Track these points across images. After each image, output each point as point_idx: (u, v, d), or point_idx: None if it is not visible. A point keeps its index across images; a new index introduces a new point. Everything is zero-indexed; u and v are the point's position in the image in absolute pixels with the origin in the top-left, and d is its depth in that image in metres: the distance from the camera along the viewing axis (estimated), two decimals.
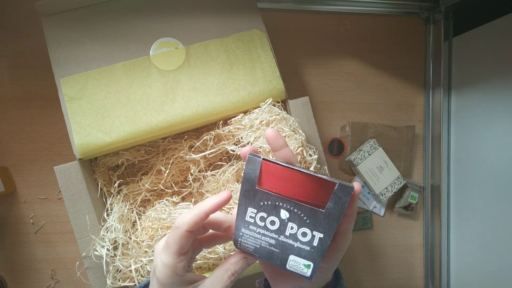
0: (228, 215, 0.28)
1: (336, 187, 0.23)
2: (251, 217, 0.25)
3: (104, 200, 0.49)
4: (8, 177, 0.57)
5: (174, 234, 0.25)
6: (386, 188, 0.66)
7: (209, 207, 0.25)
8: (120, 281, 0.44)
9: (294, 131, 0.46)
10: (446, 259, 0.67)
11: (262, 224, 0.24)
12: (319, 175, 0.24)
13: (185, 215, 0.25)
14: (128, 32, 0.48)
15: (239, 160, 0.52)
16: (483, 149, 0.61)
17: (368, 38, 0.71)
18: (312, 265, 0.23)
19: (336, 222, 0.23)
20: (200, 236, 0.29)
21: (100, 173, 0.49)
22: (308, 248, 0.23)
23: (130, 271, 0.43)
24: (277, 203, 0.24)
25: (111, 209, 0.47)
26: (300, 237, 0.24)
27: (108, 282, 0.43)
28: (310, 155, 0.46)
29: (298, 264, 0.24)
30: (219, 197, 0.26)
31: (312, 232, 0.23)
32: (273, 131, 0.28)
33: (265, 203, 0.24)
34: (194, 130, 0.52)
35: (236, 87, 0.48)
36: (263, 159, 0.24)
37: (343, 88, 0.69)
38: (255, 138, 0.47)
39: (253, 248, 0.25)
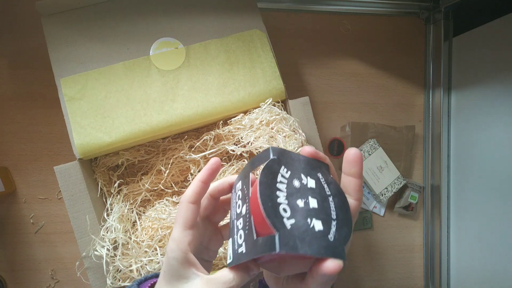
0: (226, 178, 0.29)
1: (269, 235, 0.22)
2: (238, 188, 0.27)
3: (104, 200, 0.49)
4: (8, 177, 0.57)
5: (179, 208, 0.26)
6: (386, 188, 0.66)
7: (202, 175, 0.27)
8: (120, 281, 0.44)
9: (294, 131, 0.46)
10: (446, 259, 0.67)
11: (237, 201, 0.26)
12: (270, 224, 0.22)
13: (187, 189, 0.27)
14: (128, 32, 0.48)
15: (239, 160, 0.52)
16: (483, 149, 0.61)
17: (368, 38, 0.71)
18: (230, 260, 0.24)
19: (254, 254, 0.22)
20: (215, 211, 0.29)
21: (100, 173, 0.49)
22: (236, 247, 0.24)
23: (130, 271, 0.43)
24: (246, 198, 0.25)
25: (111, 209, 0.47)
26: (238, 235, 0.25)
27: (108, 282, 0.43)
28: None
29: (229, 248, 0.25)
30: (209, 164, 0.27)
31: (243, 241, 0.24)
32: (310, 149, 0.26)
33: (245, 189, 0.26)
34: (194, 130, 0.52)
35: (236, 87, 0.48)
36: (271, 160, 0.25)
37: (343, 88, 0.69)
38: (255, 138, 0.47)
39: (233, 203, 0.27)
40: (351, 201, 0.25)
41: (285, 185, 0.24)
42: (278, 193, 0.23)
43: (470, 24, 0.65)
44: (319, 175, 0.26)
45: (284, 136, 0.46)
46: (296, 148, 0.45)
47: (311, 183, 0.25)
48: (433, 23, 0.71)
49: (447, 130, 0.69)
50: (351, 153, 0.25)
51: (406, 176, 0.69)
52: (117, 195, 0.49)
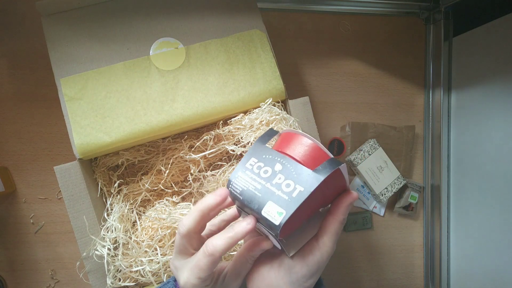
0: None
1: (329, 158, 0.26)
2: (250, 164, 0.28)
3: (104, 200, 0.49)
4: (8, 177, 0.57)
5: (207, 260, 0.26)
6: (386, 188, 0.66)
7: (242, 235, 0.27)
8: (121, 281, 0.44)
9: None
10: (446, 259, 0.67)
11: (257, 171, 0.27)
12: (322, 148, 0.27)
13: (217, 242, 0.26)
14: (128, 32, 0.48)
15: (239, 160, 0.52)
16: (483, 149, 0.61)
17: (368, 38, 0.71)
18: (284, 213, 0.25)
19: (317, 182, 0.25)
20: None
21: (100, 173, 0.49)
22: (286, 197, 0.25)
23: (131, 271, 0.43)
24: (276, 158, 0.27)
25: (111, 209, 0.47)
26: (283, 187, 0.26)
27: (109, 282, 0.43)
28: None
29: (272, 211, 0.25)
30: (248, 226, 0.27)
31: (295, 185, 0.25)
32: None
33: (267, 156, 0.28)
34: (194, 130, 0.52)
35: (236, 87, 0.48)
36: (283, 130, 0.29)
37: (343, 88, 0.69)
38: (255, 138, 0.47)
39: (240, 189, 0.27)
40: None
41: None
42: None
43: (470, 24, 0.65)
44: None
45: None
46: None
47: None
48: (433, 23, 0.71)
49: (447, 130, 0.69)
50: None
51: (406, 176, 0.69)
52: (117, 195, 0.49)
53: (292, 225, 0.26)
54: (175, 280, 0.31)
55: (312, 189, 0.24)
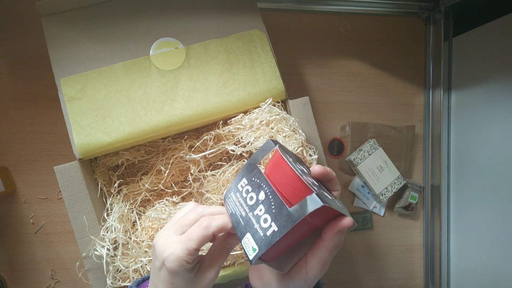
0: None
1: (308, 196, 0.23)
2: (241, 186, 0.28)
3: (104, 200, 0.49)
4: (8, 177, 0.57)
5: (201, 232, 0.26)
6: (386, 188, 0.66)
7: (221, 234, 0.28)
8: (120, 281, 0.44)
9: (294, 131, 0.46)
10: (446, 259, 0.67)
11: (245, 196, 0.27)
12: (306, 180, 0.25)
13: (217, 219, 0.27)
14: (128, 32, 0.48)
15: (239, 160, 0.52)
16: (483, 149, 0.61)
17: (368, 38, 0.71)
18: (257, 250, 0.24)
19: (291, 224, 0.23)
20: None
21: (100, 173, 0.49)
22: (262, 234, 0.25)
23: (130, 271, 0.43)
24: (262, 184, 0.26)
25: (111, 209, 0.47)
26: (261, 222, 0.25)
27: (108, 282, 0.43)
28: (310, 155, 0.46)
29: (248, 244, 0.25)
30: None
31: (271, 222, 0.24)
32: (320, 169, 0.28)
33: (255, 180, 0.27)
34: (194, 130, 0.52)
35: (236, 87, 0.48)
36: (278, 146, 0.27)
37: (343, 88, 0.69)
38: (255, 138, 0.47)
39: (230, 211, 0.27)
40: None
41: (293, 164, 0.27)
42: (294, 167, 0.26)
43: (470, 24, 0.65)
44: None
45: (284, 136, 0.46)
46: (296, 148, 0.45)
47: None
48: (433, 23, 0.71)
49: (447, 130, 0.69)
50: (316, 170, 0.28)
51: (406, 176, 0.69)
52: (117, 195, 0.49)
53: (272, 255, 0.26)
54: (137, 285, 0.31)
55: (285, 231, 0.23)
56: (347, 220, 0.25)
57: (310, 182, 0.26)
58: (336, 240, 0.26)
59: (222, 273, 0.44)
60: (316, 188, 0.25)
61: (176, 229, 0.27)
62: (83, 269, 0.44)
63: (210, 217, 0.27)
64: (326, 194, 0.26)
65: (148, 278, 0.33)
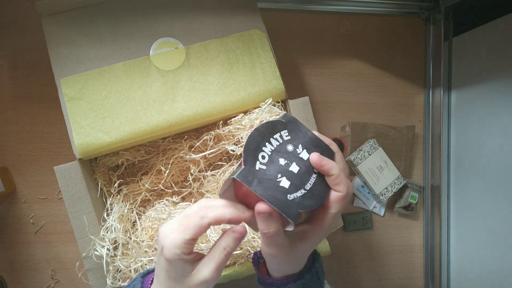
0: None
1: (240, 167, 0.27)
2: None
3: (104, 200, 0.49)
4: (8, 177, 0.57)
5: (196, 221, 0.27)
6: (386, 188, 0.66)
7: (233, 219, 0.27)
8: (120, 281, 0.44)
9: None
10: (446, 259, 0.67)
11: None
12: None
13: (213, 209, 0.27)
14: (128, 32, 0.48)
15: (239, 160, 0.52)
16: (483, 149, 0.61)
17: (368, 38, 0.71)
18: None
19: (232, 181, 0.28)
20: None
21: (100, 173, 0.49)
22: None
23: (130, 271, 0.43)
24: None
25: (111, 209, 0.47)
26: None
27: (108, 282, 0.43)
28: None
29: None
30: (243, 215, 0.28)
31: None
32: (317, 157, 0.28)
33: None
34: (194, 130, 0.52)
35: (236, 87, 0.48)
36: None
37: (343, 88, 0.69)
38: None
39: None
40: (335, 192, 0.28)
41: (277, 143, 0.28)
42: (267, 144, 0.28)
43: (470, 24, 0.65)
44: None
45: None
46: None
47: (305, 155, 0.29)
48: (433, 23, 0.71)
49: (447, 130, 0.69)
50: (314, 158, 0.28)
51: (406, 176, 0.69)
52: (117, 195, 0.49)
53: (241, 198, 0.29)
54: (142, 276, 0.32)
55: (226, 185, 0.28)
56: (258, 206, 0.25)
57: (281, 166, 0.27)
58: (259, 224, 0.27)
59: (222, 273, 0.44)
60: (259, 167, 0.27)
61: (180, 219, 0.28)
62: (83, 269, 0.44)
63: (207, 207, 0.27)
64: (277, 179, 0.27)
65: (153, 270, 0.34)
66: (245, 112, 0.49)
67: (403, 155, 0.69)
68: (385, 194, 0.66)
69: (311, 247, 0.31)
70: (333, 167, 0.28)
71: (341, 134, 0.69)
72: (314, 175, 0.28)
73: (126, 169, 0.53)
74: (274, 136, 0.29)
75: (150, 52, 0.47)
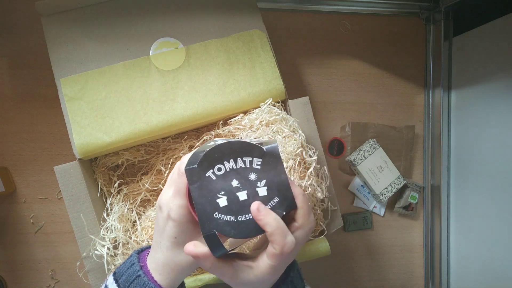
0: None
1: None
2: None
3: (104, 200, 0.49)
4: (8, 177, 0.57)
5: (181, 180, 0.27)
6: (386, 188, 0.66)
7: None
8: None
9: (294, 132, 0.46)
10: (446, 259, 0.67)
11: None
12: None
13: (183, 158, 0.28)
14: (128, 32, 0.48)
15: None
16: (483, 149, 0.61)
17: (368, 38, 0.71)
18: None
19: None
20: None
21: (100, 173, 0.49)
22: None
23: None
24: None
25: (111, 209, 0.47)
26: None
27: None
28: (310, 156, 0.46)
29: None
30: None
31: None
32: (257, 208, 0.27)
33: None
34: (194, 130, 0.52)
35: (236, 87, 0.48)
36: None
37: (343, 88, 0.69)
38: (255, 138, 0.47)
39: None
40: (270, 247, 0.27)
41: (242, 166, 0.27)
42: (231, 160, 0.27)
43: (470, 24, 0.65)
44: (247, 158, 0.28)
45: (284, 137, 0.46)
46: (295, 149, 0.45)
47: (262, 191, 0.27)
48: (433, 23, 0.71)
49: (447, 130, 0.69)
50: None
51: (406, 176, 0.69)
52: (117, 195, 0.49)
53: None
54: (137, 253, 0.32)
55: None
56: (186, 248, 0.26)
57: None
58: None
59: None
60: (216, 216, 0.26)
61: (170, 185, 0.29)
62: (83, 270, 0.44)
63: (183, 163, 0.28)
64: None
65: (147, 247, 0.34)
66: (245, 112, 0.49)
67: (403, 155, 0.69)
68: (385, 194, 0.66)
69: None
70: (269, 224, 0.25)
71: (341, 134, 0.69)
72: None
73: (126, 169, 0.53)
74: (244, 158, 0.27)
75: (150, 52, 0.47)
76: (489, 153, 0.60)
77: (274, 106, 0.49)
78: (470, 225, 0.64)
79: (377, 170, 0.66)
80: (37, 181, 0.59)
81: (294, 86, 0.67)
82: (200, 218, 0.25)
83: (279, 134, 0.46)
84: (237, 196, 0.26)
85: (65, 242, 0.59)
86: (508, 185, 0.56)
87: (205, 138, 0.49)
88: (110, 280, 0.30)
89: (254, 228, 0.26)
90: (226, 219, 0.26)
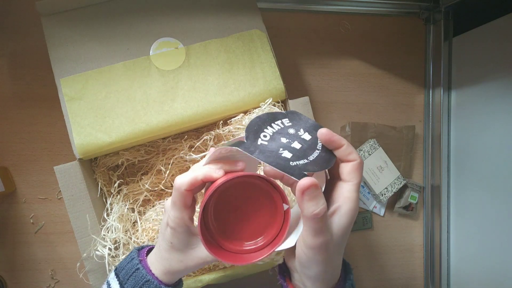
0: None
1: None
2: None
3: (104, 200, 0.49)
4: (8, 177, 0.57)
5: (176, 194, 0.29)
6: (386, 188, 0.66)
7: (204, 177, 0.29)
8: None
9: None
10: (446, 259, 0.67)
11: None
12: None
13: (184, 177, 0.29)
14: (128, 32, 0.48)
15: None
16: (483, 149, 0.61)
17: (368, 38, 0.71)
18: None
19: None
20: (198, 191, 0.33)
21: (100, 173, 0.49)
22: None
23: None
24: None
25: (111, 209, 0.47)
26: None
27: None
28: None
29: None
30: (215, 172, 0.29)
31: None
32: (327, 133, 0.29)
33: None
34: (194, 130, 0.52)
35: (236, 87, 0.48)
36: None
37: (343, 88, 0.69)
38: None
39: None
40: (349, 163, 0.28)
41: (279, 127, 0.31)
42: (268, 127, 0.30)
43: (470, 24, 0.65)
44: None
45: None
46: None
47: (307, 136, 0.30)
48: (433, 23, 0.71)
49: (447, 130, 0.69)
50: (322, 132, 0.28)
51: (406, 176, 0.69)
52: (117, 195, 0.49)
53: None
54: (138, 250, 0.34)
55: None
56: (301, 183, 0.25)
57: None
58: (306, 207, 0.25)
59: (222, 273, 0.44)
60: (261, 142, 0.29)
61: (174, 202, 0.31)
62: (84, 270, 0.44)
63: (180, 177, 0.29)
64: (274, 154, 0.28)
65: (147, 246, 0.36)
66: (245, 112, 0.49)
67: (403, 155, 0.69)
68: (385, 194, 0.66)
69: (345, 234, 0.28)
70: (342, 138, 0.28)
71: (341, 134, 0.69)
72: (317, 151, 0.29)
73: (126, 169, 0.53)
74: (276, 122, 0.31)
75: (150, 52, 0.47)
76: (489, 153, 0.60)
77: (274, 106, 0.49)
78: (470, 225, 0.64)
79: (377, 170, 0.66)
80: (37, 181, 0.58)
81: (294, 86, 0.67)
82: (283, 170, 0.26)
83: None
84: (294, 147, 0.29)
85: (65, 242, 0.59)
86: (508, 185, 0.56)
87: (205, 138, 0.49)
88: (112, 275, 0.33)
89: (326, 160, 0.28)
90: (302, 162, 0.27)
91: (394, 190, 0.66)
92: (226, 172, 0.29)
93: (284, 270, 0.33)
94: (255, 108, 0.48)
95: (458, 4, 0.66)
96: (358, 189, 0.28)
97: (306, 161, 0.27)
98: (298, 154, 0.28)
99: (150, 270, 0.31)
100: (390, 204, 0.70)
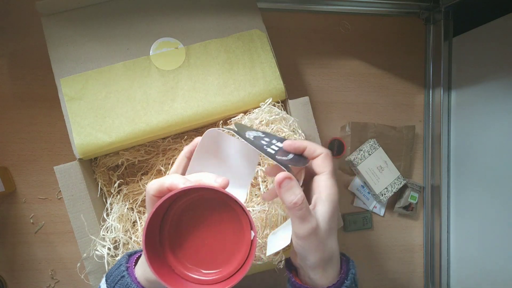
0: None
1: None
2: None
3: (104, 200, 0.49)
4: (8, 177, 0.57)
5: (146, 199, 0.29)
6: (386, 188, 0.66)
7: (170, 185, 0.27)
8: None
9: (293, 131, 0.46)
10: (446, 259, 0.67)
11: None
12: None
13: (153, 182, 0.29)
14: (128, 32, 0.48)
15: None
16: (483, 149, 0.61)
17: (368, 38, 0.71)
18: None
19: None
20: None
21: (100, 173, 0.49)
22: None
23: None
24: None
25: (111, 209, 0.47)
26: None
27: None
28: None
29: None
30: (182, 183, 0.26)
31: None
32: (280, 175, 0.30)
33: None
34: (194, 130, 0.52)
35: (236, 87, 0.48)
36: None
37: (343, 88, 0.69)
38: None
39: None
40: (318, 157, 0.32)
41: (256, 134, 0.37)
42: (249, 132, 0.37)
43: (470, 24, 0.65)
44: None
45: (284, 136, 0.46)
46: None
47: (280, 145, 0.35)
48: (433, 23, 0.71)
49: (447, 130, 0.69)
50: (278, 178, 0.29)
51: (406, 176, 0.69)
52: (117, 195, 0.49)
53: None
54: (129, 255, 0.34)
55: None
56: (278, 176, 0.28)
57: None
58: (285, 197, 0.28)
59: None
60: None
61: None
62: (84, 270, 0.44)
63: (152, 182, 0.30)
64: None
65: (140, 250, 0.36)
66: (245, 112, 0.49)
67: (403, 155, 0.69)
68: (385, 194, 0.66)
69: (331, 217, 0.29)
70: (303, 141, 0.33)
71: (341, 134, 0.69)
72: (291, 155, 0.33)
73: (126, 169, 0.53)
74: (252, 131, 0.37)
75: (150, 52, 0.47)
76: (489, 152, 0.60)
77: (274, 106, 0.49)
78: (470, 225, 0.64)
79: (377, 170, 0.66)
80: (37, 181, 0.58)
81: (294, 86, 0.67)
82: (271, 159, 0.31)
83: (279, 134, 0.46)
84: (273, 148, 0.34)
85: (65, 242, 0.59)
86: (508, 185, 0.56)
87: None
88: (103, 280, 0.33)
89: (301, 160, 0.32)
90: (284, 158, 0.31)
91: (394, 190, 0.66)
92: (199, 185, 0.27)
93: (290, 265, 0.36)
94: (255, 108, 0.48)
95: (458, 4, 0.66)
96: (332, 176, 0.31)
97: (286, 158, 0.31)
98: (278, 153, 0.32)
99: (136, 278, 0.30)
100: (390, 204, 0.70)
